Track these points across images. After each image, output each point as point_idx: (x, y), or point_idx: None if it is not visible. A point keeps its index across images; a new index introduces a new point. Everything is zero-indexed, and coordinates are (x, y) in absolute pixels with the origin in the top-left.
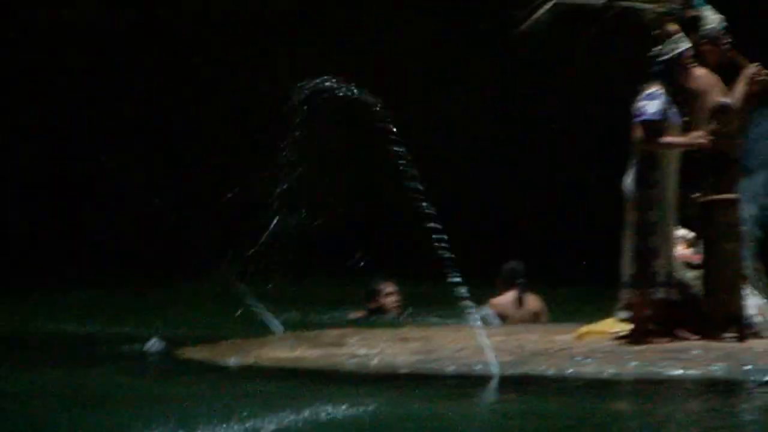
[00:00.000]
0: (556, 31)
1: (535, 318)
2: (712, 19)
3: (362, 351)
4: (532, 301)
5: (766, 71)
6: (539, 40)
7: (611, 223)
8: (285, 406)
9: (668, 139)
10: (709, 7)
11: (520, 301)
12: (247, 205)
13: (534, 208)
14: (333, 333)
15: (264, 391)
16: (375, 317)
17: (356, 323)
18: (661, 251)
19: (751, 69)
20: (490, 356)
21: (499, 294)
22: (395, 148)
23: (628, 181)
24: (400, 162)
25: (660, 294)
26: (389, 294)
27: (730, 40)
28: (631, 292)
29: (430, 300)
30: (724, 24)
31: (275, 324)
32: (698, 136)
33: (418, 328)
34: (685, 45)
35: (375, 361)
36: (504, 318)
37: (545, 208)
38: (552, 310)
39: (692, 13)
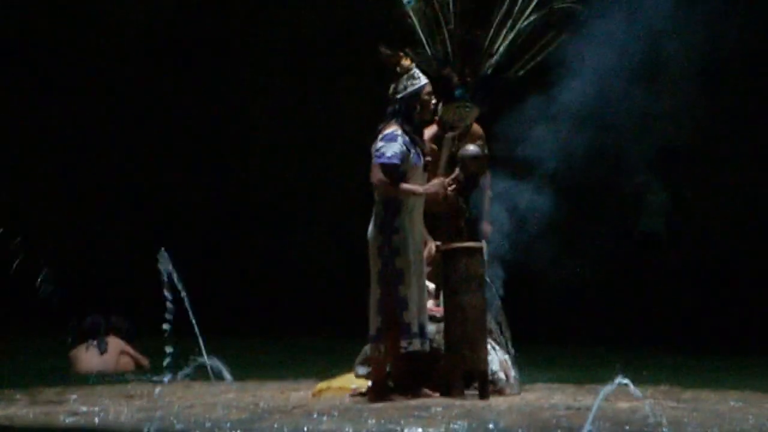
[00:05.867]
0: None
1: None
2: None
3: (83, 408)
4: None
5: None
6: None
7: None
8: None
9: (406, 186)
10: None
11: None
12: None
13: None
14: (53, 390)
15: None
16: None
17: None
18: (411, 301)
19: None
20: (221, 413)
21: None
22: None
23: (370, 227)
24: None
25: (414, 346)
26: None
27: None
28: (376, 346)
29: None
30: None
31: None
32: (437, 185)
33: (146, 384)
34: (422, 81)
35: (97, 419)
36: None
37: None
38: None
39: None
